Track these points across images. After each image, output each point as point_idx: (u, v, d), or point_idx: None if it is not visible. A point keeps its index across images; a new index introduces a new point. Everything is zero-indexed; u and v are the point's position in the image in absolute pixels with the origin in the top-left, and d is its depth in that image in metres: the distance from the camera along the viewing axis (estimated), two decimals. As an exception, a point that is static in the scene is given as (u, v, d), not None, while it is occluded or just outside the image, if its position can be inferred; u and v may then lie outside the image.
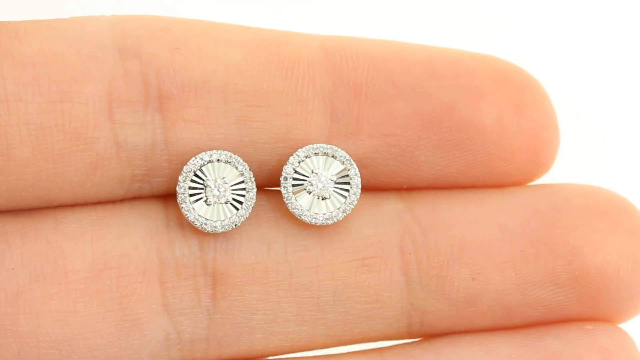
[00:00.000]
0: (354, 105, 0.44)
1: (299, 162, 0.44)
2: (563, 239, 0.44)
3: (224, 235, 0.44)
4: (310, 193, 0.44)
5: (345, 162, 0.44)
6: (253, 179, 0.44)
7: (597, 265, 0.44)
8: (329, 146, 0.44)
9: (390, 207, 0.45)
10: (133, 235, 0.44)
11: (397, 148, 0.44)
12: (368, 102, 0.44)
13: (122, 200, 0.44)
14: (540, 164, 0.45)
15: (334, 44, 0.45)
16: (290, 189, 0.44)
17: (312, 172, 0.44)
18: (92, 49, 0.42)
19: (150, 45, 0.43)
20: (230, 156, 0.44)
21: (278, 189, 0.45)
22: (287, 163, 0.44)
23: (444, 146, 0.44)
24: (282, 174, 0.44)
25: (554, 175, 0.48)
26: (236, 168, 0.44)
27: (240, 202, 0.44)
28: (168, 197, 0.45)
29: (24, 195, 0.42)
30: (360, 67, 0.44)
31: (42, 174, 0.42)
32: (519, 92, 0.45)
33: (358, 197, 0.44)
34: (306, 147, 0.44)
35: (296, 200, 0.44)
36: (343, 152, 0.44)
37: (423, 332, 0.45)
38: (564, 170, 0.51)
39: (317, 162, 0.44)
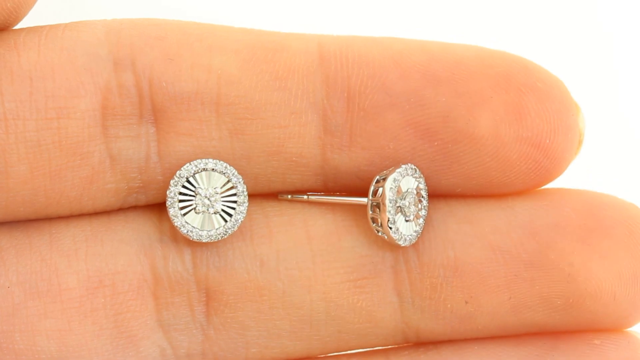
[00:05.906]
0: (347, 116, 0.43)
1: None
2: (558, 263, 0.42)
3: (217, 250, 0.44)
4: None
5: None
6: (246, 193, 0.43)
7: (592, 293, 0.42)
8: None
9: None
10: (127, 251, 0.43)
11: (391, 160, 0.43)
12: (361, 114, 0.43)
13: (118, 211, 0.44)
14: (544, 172, 0.43)
15: (330, 48, 0.43)
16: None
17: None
18: (87, 60, 0.42)
19: (145, 56, 0.42)
20: (226, 167, 0.43)
21: (273, 202, 0.44)
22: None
23: (438, 159, 0.43)
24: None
25: (576, 178, 0.47)
26: (229, 180, 0.43)
27: (230, 215, 0.43)
28: (162, 210, 0.44)
29: (21, 211, 0.43)
30: (354, 74, 0.43)
31: (40, 190, 0.42)
32: (521, 97, 0.42)
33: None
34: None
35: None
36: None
37: (420, 342, 0.45)
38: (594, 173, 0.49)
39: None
